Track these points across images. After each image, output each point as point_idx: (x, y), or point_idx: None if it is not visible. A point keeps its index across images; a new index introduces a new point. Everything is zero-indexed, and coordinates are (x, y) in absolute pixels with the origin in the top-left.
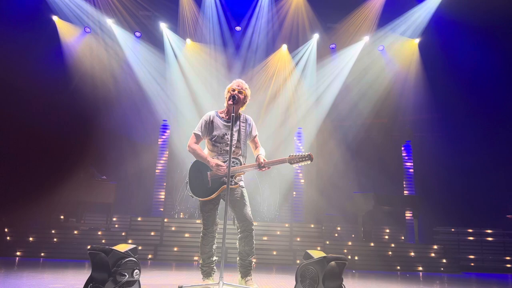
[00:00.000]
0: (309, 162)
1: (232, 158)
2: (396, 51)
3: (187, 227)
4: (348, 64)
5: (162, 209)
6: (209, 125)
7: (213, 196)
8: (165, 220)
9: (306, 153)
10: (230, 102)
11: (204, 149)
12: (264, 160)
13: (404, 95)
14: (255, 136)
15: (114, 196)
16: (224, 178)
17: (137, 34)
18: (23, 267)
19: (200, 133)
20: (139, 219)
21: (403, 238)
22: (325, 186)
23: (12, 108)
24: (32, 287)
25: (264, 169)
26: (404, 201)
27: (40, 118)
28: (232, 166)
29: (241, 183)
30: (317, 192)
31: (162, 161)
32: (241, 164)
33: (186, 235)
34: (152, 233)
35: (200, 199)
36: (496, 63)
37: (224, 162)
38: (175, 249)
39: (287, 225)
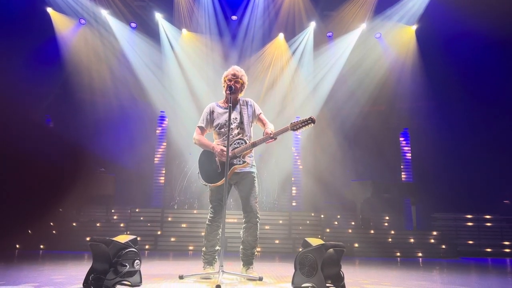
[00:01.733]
0: (311, 124)
1: (238, 139)
2: (393, 38)
3: (185, 217)
4: (345, 52)
5: (161, 200)
6: (211, 116)
7: (223, 180)
8: (163, 210)
9: (307, 117)
10: (228, 92)
11: (212, 141)
12: (272, 131)
13: (402, 82)
14: (259, 114)
15: (113, 188)
16: (232, 160)
17: (133, 25)
18: (22, 259)
19: (203, 125)
20: (138, 210)
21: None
22: (323, 174)
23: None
24: (32, 279)
25: (270, 141)
26: (402, 188)
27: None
28: (237, 147)
29: (253, 170)
30: (315, 181)
31: (160, 151)
32: (246, 144)
33: (183, 225)
34: (149, 224)
35: (213, 184)
36: (494, 49)
37: (230, 144)
38: (173, 239)
39: (286, 214)
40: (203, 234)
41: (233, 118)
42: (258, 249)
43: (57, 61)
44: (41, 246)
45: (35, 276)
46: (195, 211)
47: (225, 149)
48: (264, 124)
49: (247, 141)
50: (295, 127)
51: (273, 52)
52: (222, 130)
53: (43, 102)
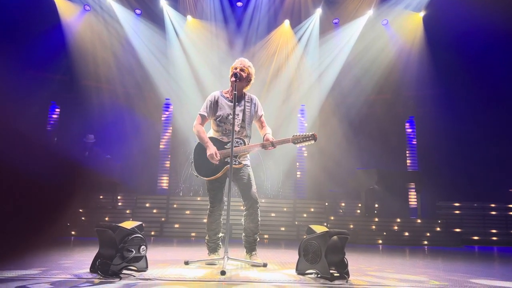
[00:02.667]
0: (312, 142)
1: (236, 138)
2: (400, 25)
3: (191, 204)
4: (351, 39)
5: (166, 187)
6: (214, 105)
7: (218, 175)
8: (168, 197)
9: (310, 133)
10: (233, 79)
11: (210, 129)
12: (273, 140)
13: (408, 70)
14: (261, 116)
15: (119, 175)
16: (228, 158)
17: (137, 11)
18: (28, 244)
19: (205, 114)
20: (143, 197)
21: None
22: (328, 162)
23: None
24: (40, 264)
25: (269, 148)
26: (406, 176)
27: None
28: (236, 146)
29: (247, 162)
30: (320, 169)
31: (166, 137)
32: (244, 145)
33: (187, 212)
34: (155, 211)
35: (205, 178)
36: (502, 38)
37: (228, 142)
38: (176, 225)
39: (290, 202)
40: (204, 221)
41: (235, 114)
42: (266, 236)
43: (62, 48)
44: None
45: (43, 261)
46: (198, 198)
47: (215, 156)
48: (262, 127)
49: (246, 141)
50: (296, 140)
51: (278, 39)
52: (223, 124)
53: (49, 89)
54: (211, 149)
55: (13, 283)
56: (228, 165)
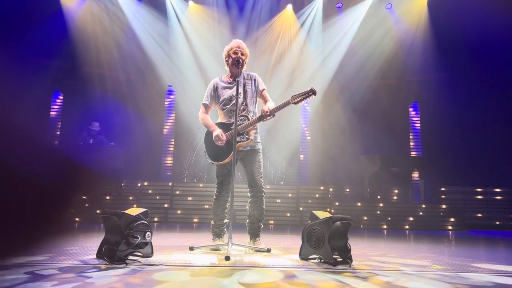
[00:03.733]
0: (313, 96)
1: (241, 116)
2: (404, 9)
3: (193, 191)
4: (354, 24)
5: (170, 174)
6: (215, 93)
7: (229, 159)
8: (171, 184)
9: (308, 89)
10: (235, 66)
11: (218, 117)
12: (268, 109)
13: (412, 55)
14: (262, 90)
15: (123, 162)
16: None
17: None
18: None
19: (207, 102)
20: (146, 183)
21: (409, 197)
22: (331, 148)
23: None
24: (47, 250)
25: (267, 118)
26: (410, 162)
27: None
28: (240, 124)
29: (258, 146)
30: (323, 155)
31: (169, 124)
32: (248, 120)
33: (190, 198)
34: (158, 197)
35: (220, 163)
36: (507, 22)
37: (233, 123)
38: (179, 211)
39: (294, 188)
40: (206, 207)
41: (238, 93)
42: (271, 221)
43: (64, 34)
44: (76, 219)
45: (51, 247)
46: (201, 185)
47: (221, 136)
48: (265, 101)
49: (250, 118)
50: (296, 99)
51: (281, 24)
52: (227, 107)
53: (51, 76)
54: (216, 131)
55: (22, 269)
56: (238, 144)
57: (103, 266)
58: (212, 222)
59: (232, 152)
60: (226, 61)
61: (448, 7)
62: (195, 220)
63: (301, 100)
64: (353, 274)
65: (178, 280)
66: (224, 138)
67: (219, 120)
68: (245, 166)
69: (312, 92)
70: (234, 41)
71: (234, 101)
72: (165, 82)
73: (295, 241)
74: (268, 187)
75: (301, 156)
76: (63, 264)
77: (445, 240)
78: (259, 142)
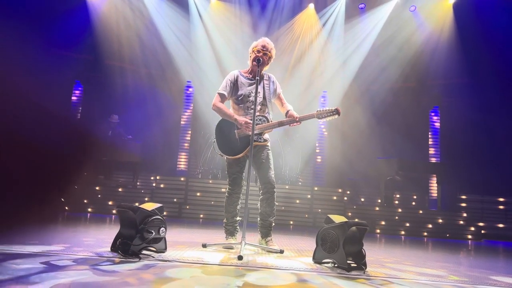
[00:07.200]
0: (336, 116)
1: (259, 116)
2: (429, 12)
3: (202, 187)
4: (377, 26)
5: (185, 169)
6: (234, 85)
7: (242, 154)
8: (185, 179)
9: (333, 108)
10: (255, 63)
11: (229, 109)
12: (297, 115)
13: (435, 58)
14: (279, 93)
15: (140, 155)
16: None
17: None
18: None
19: (225, 93)
20: (159, 177)
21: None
22: (349, 150)
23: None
24: (64, 240)
25: (293, 124)
26: (428, 167)
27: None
28: (259, 124)
29: (268, 144)
30: (341, 157)
31: (185, 118)
32: (268, 122)
33: (198, 194)
34: (172, 192)
35: (230, 157)
36: None
37: (251, 120)
38: (191, 207)
39: (308, 189)
40: (213, 203)
41: (257, 92)
42: (291, 222)
43: (87, 27)
44: (66, 208)
45: (64, 237)
46: (210, 181)
47: (249, 121)
48: (282, 104)
49: (269, 119)
50: (320, 115)
51: (302, 23)
52: (244, 104)
53: (73, 68)
54: (241, 119)
55: (38, 258)
56: (252, 143)
57: (117, 260)
58: (224, 220)
59: (243, 150)
60: (250, 56)
61: (474, 11)
62: (207, 216)
63: (325, 117)
64: (367, 281)
65: (190, 278)
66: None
67: None
68: (255, 163)
69: (337, 112)
70: (262, 39)
71: (251, 98)
72: (184, 78)
73: (308, 244)
74: (287, 187)
75: (318, 157)
76: (78, 256)
77: (462, 250)
78: (268, 139)
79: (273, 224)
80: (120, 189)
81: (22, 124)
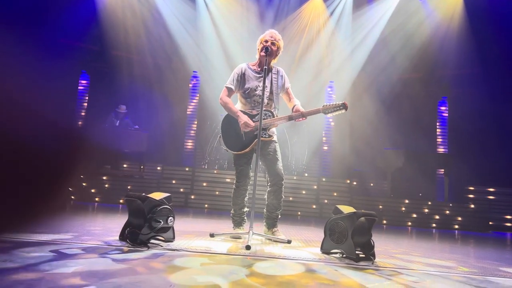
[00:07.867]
0: (343, 111)
1: (265, 110)
2: (439, 1)
3: (206, 176)
4: (385, 15)
5: (191, 159)
6: (241, 78)
7: (248, 149)
8: (191, 169)
9: (340, 102)
10: (263, 53)
11: (237, 103)
12: (303, 110)
13: (444, 48)
14: (287, 88)
15: (146, 146)
16: (257, 131)
17: None
18: (60, 210)
19: (232, 87)
20: (166, 168)
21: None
22: (356, 141)
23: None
24: (71, 229)
25: (300, 119)
26: (435, 159)
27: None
28: (264, 119)
29: (274, 137)
30: (348, 147)
31: (191, 108)
32: (273, 117)
33: (204, 184)
34: (177, 182)
35: (234, 152)
36: None
37: (256, 114)
38: (197, 197)
39: (315, 179)
40: (217, 193)
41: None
42: (299, 213)
43: (93, 17)
44: (72, 197)
45: (72, 225)
46: (215, 171)
47: (249, 123)
48: (290, 99)
49: (275, 113)
50: (326, 110)
51: (310, 12)
52: (251, 97)
53: (79, 58)
54: (243, 118)
55: (47, 247)
56: (256, 140)
57: (125, 249)
58: (232, 211)
59: (248, 146)
60: (258, 49)
61: (484, 0)
62: (212, 206)
63: (331, 112)
64: (376, 272)
65: (198, 267)
66: (253, 124)
67: (240, 108)
68: (262, 157)
69: (344, 106)
70: (269, 31)
71: (257, 92)
72: (190, 67)
73: (315, 234)
74: (295, 178)
75: (325, 147)
76: (87, 244)
77: (470, 241)
78: (274, 133)
79: (279, 216)
80: (127, 179)
81: (28, 117)
